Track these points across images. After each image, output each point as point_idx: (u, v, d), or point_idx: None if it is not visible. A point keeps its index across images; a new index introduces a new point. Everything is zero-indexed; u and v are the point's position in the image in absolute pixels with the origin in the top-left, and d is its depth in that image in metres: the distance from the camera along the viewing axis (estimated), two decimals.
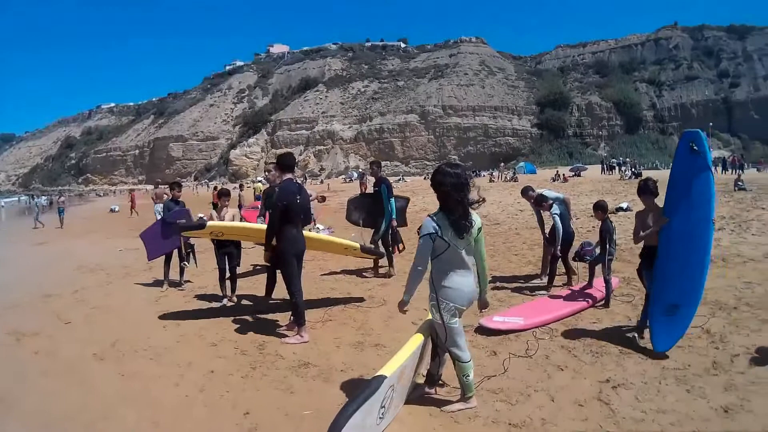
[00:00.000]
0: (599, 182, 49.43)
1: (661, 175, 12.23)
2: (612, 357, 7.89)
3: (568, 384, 6.86)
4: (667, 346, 7.85)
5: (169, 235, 13.16)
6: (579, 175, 70.83)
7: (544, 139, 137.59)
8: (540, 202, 12.79)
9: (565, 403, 6.34)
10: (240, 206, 18.64)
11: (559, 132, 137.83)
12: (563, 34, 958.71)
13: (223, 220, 12.12)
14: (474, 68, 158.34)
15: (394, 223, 14.21)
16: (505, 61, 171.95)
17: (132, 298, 13.34)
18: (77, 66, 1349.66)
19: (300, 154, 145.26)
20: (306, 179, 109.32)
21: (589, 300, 10.75)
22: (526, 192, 13.48)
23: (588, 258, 12.88)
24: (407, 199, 16.23)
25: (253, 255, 16.73)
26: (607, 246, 10.79)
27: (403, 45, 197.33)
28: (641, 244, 8.98)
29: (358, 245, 12.21)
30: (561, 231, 11.94)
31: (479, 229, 6.30)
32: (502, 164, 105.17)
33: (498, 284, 12.70)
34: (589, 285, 11.48)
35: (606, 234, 10.84)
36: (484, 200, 6.36)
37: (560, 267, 12.50)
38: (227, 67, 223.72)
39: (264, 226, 10.57)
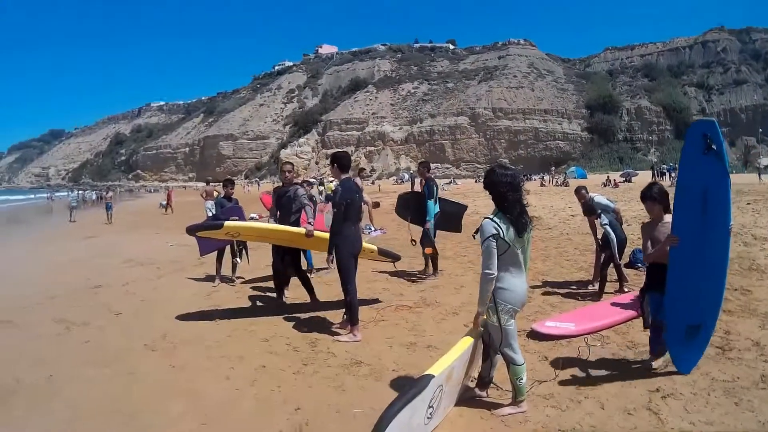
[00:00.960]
0: None
1: None
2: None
3: (618, 392, 6.71)
4: (692, 365, 7.35)
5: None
6: (630, 181, 70.05)
7: (594, 144, 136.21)
8: (589, 214, 12.71)
9: (615, 411, 6.20)
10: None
11: (609, 136, 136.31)
12: (611, 36, 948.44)
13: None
14: (523, 71, 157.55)
15: (427, 225, 14.05)
16: (554, 63, 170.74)
17: (183, 292, 13.40)
18: (126, 64, 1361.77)
19: (351, 155, 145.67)
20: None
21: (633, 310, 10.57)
22: (579, 191, 13.23)
23: (640, 265, 12.76)
24: (464, 207, 16.24)
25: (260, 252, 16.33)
26: None
27: (451, 46, 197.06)
28: None
29: (375, 248, 12.20)
30: (615, 239, 11.68)
31: (530, 230, 6.25)
32: (553, 168, 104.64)
33: (549, 289, 12.49)
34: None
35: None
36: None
37: (612, 273, 12.16)
38: (276, 67, 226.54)
39: (277, 227, 10.89)
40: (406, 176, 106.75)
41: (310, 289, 11.48)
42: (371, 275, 14.14)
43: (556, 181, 76.45)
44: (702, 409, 6.29)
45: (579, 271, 14.49)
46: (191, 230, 10.99)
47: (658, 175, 75.84)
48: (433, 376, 5.39)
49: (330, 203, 11.18)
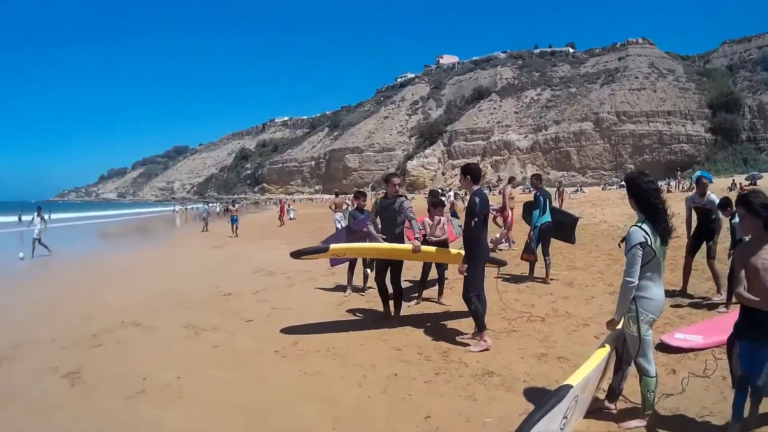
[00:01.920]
0: None
1: None
2: None
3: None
4: None
5: (353, 242, 13.21)
6: (755, 184, 67.52)
7: (718, 145, 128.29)
8: (725, 207, 12.31)
9: None
10: (453, 214, 18.48)
11: (733, 137, 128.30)
12: (728, 28, 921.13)
13: (436, 227, 12.37)
14: (644, 71, 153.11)
15: (531, 234, 14.63)
16: (674, 62, 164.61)
17: (314, 301, 13.62)
18: (250, 81, 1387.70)
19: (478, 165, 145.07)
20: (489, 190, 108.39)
21: None
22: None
23: None
24: (576, 218, 16.56)
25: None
26: None
27: (571, 50, 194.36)
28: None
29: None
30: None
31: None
32: (679, 173, 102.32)
33: (678, 300, 12.16)
34: None
35: None
36: None
37: None
38: (398, 80, 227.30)
39: (383, 245, 10.80)
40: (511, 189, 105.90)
41: (398, 305, 11.37)
42: (502, 285, 13.75)
43: (683, 187, 74.54)
44: None
45: (708, 280, 13.87)
46: (297, 255, 10.87)
47: None
48: (572, 387, 5.32)
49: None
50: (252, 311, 12.39)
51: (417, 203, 28.59)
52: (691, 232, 12.94)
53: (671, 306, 11.47)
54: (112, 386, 7.61)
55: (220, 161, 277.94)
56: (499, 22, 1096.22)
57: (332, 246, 10.91)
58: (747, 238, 5.93)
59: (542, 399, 5.24)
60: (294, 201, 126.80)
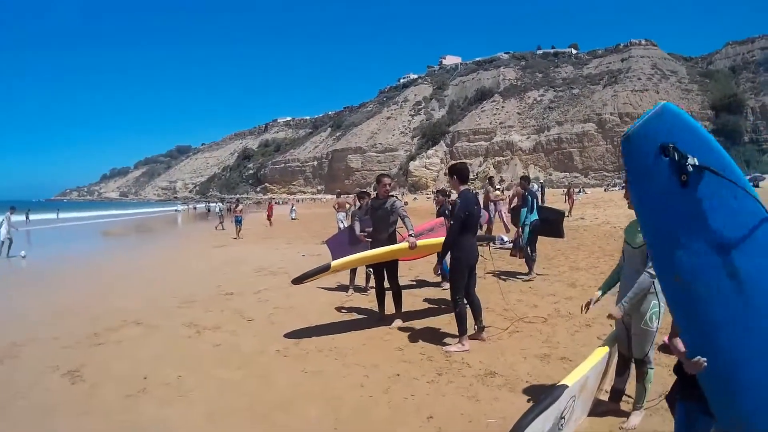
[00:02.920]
0: None
1: None
2: None
3: None
4: None
5: (356, 243, 13.04)
6: (757, 186, 67.42)
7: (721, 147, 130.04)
8: None
9: None
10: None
11: (736, 138, 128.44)
12: (731, 29, 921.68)
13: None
14: (647, 72, 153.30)
15: (519, 231, 15.31)
16: (676, 63, 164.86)
17: (316, 300, 13.60)
18: (252, 82, 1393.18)
19: (479, 166, 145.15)
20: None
21: None
22: None
23: None
24: (562, 213, 17.04)
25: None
26: None
27: (574, 51, 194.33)
28: None
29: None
30: None
31: None
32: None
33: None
34: None
35: None
36: None
37: None
38: (401, 80, 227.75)
39: (381, 250, 10.74)
40: (536, 186, 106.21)
41: (399, 305, 11.31)
42: (505, 286, 13.94)
43: None
44: None
45: None
46: (299, 280, 10.78)
47: None
48: (567, 387, 5.27)
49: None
50: (254, 311, 12.39)
51: (419, 204, 28.57)
52: None
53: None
54: (114, 385, 7.60)
55: (223, 161, 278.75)
56: (502, 23, 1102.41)
57: (333, 263, 10.74)
58: None
59: (538, 399, 5.17)
60: (298, 201, 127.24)
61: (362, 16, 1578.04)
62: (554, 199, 55.30)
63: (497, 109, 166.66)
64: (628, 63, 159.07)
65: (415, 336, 10.07)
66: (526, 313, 11.43)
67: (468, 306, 9.40)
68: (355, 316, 11.93)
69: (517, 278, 15.28)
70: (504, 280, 14.95)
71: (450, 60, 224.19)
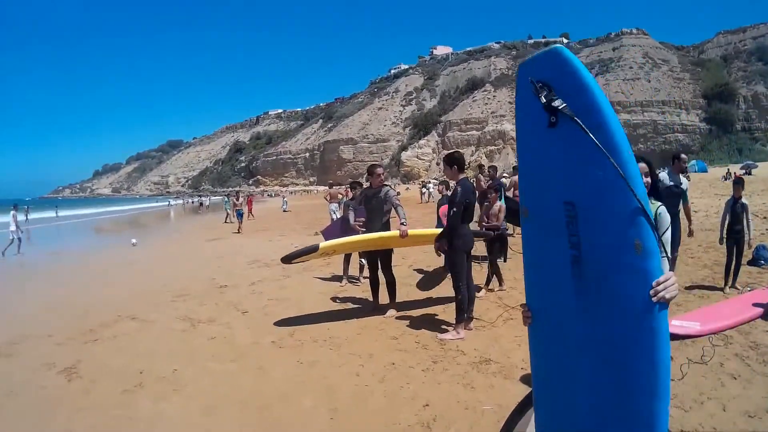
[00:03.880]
0: None
1: None
2: None
3: (741, 394, 6.54)
4: None
5: (349, 232, 13.15)
6: (750, 173, 67.32)
7: (713, 135, 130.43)
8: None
9: (736, 414, 6.04)
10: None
11: (728, 127, 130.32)
12: (723, 18, 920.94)
13: (497, 213, 12.67)
14: (638, 61, 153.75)
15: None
16: (668, 52, 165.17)
17: (310, 291, 13.65)
18: (243, 75, 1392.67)
19: (471, 155, 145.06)
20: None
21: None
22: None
23: (763, 263, 12.50)
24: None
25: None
26: None
27: (565, 40, 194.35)
28: None
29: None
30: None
31: None
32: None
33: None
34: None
35: None
36: None
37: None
38: (392, 71, 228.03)
39: (371, 236, 10.83)
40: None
41: (393, 294, 11.34)
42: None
43: None
44: None
45: (703, 269, 14.08)
46: (287, 259, 10.95)
47: None
48: None
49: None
50: (248, 303, 12.43)
51: (411, 194, 28.61)
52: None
53: None
54: (110, 380, 7.61)
55: (215, 154, 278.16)
56: (492, 12, 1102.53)
57: (321, 245, 10.85)
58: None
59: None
60: (291, 193, 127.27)
61: (353, 7, 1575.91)
62: None
63: (488, 98, 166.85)
64: (620, 52, 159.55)
65: (409, 325, 10.12)
66: (519, 300, 11.20)
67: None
68: (350, 306, 11.97)
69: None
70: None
71: (441, 50, 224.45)
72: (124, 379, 7.60)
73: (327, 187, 30.78)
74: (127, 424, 6.32)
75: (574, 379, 3.14)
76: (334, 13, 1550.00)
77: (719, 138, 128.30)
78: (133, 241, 27.43)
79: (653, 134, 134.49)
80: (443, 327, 9.83)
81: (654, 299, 2.50)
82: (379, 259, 11.28)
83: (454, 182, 9.43)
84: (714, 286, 11.93)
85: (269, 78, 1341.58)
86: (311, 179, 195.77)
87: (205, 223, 42.18)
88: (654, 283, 2.52)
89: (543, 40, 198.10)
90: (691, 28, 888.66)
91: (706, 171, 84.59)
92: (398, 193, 12.29)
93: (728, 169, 70.78)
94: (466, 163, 10.74)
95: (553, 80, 2.86)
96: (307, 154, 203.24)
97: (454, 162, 9.38)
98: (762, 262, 12.85)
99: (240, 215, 35.52)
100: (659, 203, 5.40)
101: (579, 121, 2.70)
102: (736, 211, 11.72)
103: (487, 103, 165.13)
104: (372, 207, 11.25)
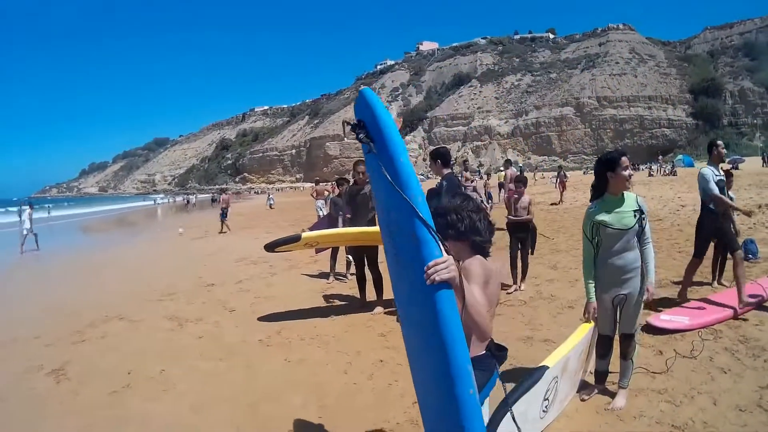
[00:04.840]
0: (757, 175, 44.80)
1: None
2: None
3: (731, 387, 6.51)
4: None
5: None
6: (737, 168, 67.24)
7: (700, 130, 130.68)
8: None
9: (727, 408, 6.02)
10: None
11: (714, 121, 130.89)
12: (710, 14, 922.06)
13: (527, 206, 12.45)
14: (625, 56, 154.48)
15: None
16: (655, 47, 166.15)
17: (297, 289, 13.66)
18: (228, 72, 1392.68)
19: (458, 150, 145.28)
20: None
21: (757, 300, 10.21)
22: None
23: (751, 257, 12.54)
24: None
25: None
26: None
27: (551, 36, 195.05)
28: None
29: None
30: None
31: None
32: (661, 157, 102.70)
33: (663, 282, 12.02)
34: (757, 285, 10.43)
35: None
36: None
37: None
38: (378, 67, 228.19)
39: (355, 229, 10.84)
40: (515, 171, 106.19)
41: (380, 291, 11.30)
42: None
43: (664, 171, 74.17)
44: None
45: None
46: (270, 247, 10.98)
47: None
48: (548, 368, 5.34)
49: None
50: (235, 301, 12.43)
51: None
52: None
53: (657, 288, 11.48)
54: (98, 381, 7.60)
55: (201, 152, 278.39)
56: (479, 8, 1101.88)
57: (304, 235, 10.98)
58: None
59: (518, 382, 5.27)
60: (278, 190, 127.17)
61: (339, 3, 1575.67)
62: (545, 188, 55.55)
63: (475, 94, 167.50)
64: (606, 47, 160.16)
65: (397, 322, 9.92)
66: (506, 297, 11.47)
67: None
68: (337, 303, 11.99)
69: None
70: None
71: (427, 46, 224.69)
72: (112, 380, 7.59)
73: (314, 184, 30.70)
74: (116, 424, 6.32)
75: (416, 366, 3.47)
76: (321, 9, 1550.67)
77: (706, 133, 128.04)
78: (180, 230, 29.79)
79: (640, 129, 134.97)
80: None
81: (427, 282, 2.68)
82: (365, 255, 11.30)
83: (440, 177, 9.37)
84: (702, 281, 11.87)
85: (255, 75, 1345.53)
86: (298, 176, 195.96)
87: (192, 221, 42.06)
88: (425, 267, 2.70)
89: (529, 36, 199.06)
90: (677, 23, 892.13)
91: (693, 166, 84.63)
92: None
93: None
94: (452, 159, 10.69)
95: (365, 117, 3.16)
96: (294, 151, 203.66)
97: (438, 157, 9.32)
98: (750, 256, 12.87)
99: (224, 215, 34.18)
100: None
101: (374, 149, 3.10)
102: None
103: (473, 99, 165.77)
104: (357, 204, 11.28)
